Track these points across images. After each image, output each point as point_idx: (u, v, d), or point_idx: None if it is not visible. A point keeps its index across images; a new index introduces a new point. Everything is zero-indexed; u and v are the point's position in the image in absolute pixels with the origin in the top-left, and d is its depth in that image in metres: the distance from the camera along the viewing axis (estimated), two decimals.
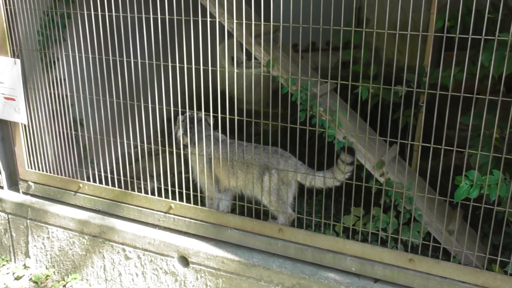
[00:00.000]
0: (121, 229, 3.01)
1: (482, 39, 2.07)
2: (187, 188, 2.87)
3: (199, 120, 2.96)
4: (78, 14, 2.82)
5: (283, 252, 2.71)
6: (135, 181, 3.13)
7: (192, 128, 2.91)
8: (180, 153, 2.93)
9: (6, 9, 2.99)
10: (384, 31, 2.21)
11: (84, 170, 3.25)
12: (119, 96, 2.84)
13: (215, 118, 2.66)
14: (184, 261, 2.89)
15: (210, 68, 2.55)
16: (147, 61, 2.71)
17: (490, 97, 2.10)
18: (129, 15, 2.66)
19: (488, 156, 2.21)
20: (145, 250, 2.97)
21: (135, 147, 2.97)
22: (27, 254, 3.43)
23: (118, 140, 3.01)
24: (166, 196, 2.95)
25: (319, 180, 2.75)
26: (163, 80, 2.71)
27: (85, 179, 3.18)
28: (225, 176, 2.92)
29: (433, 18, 2.62)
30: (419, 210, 2.57)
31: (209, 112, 2.66)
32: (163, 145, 2.85)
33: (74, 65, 2.96)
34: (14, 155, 3.33)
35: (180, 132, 2.96)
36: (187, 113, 2.86)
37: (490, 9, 2.10)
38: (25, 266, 3.45)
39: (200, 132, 2.94)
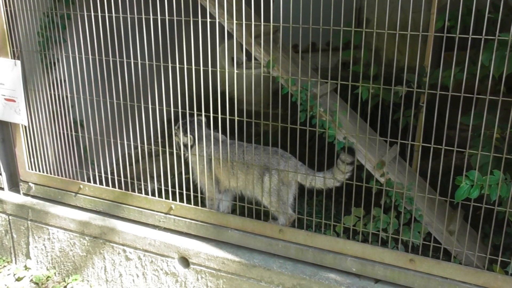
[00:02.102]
0: (121, 230, 3.01)
1: (483, 39, 2.06)
2: (188, 189, 2.87)
3: (199, 122, 2.96)
4: (78, 15, 2.82)
5: (284, 253, 2.71)
6: (135, 182, 3.14)
7: (192, 129, 2.90)
8: (180, 154, 2.94)
9: (6, 10, 2.99)
10: (384, 31, 2.21)
11: (84, 171, 3.25)
12: (119, 97, 2.84)
13: (215, 118, 2.65)
14: (185, 262, 2.89)
15: (210, 69, 2.55)
16: (147, 62, 2.71)
17: (490, 97, 2.10)
18: (129, 16, 2.66)
19: (489, 156, 2.20)
20: (146, 251, 2.97)
21: (135, 148, 2.97)
22: (27, 255, 3.43)
23: (119, 141, 3.01)
24: (167, 197, 2.95)
25: (319, 180, 2.75)
26: (163, 81, 2.71)
27: (86, 180, 3.18)
28: (226, 176, 2.92)
29: (433, 18, 2.61)
30: (420, 211, 2.56)
31: (209, 113, 2.66)
32: (163, 146, 2.85)
33: (74, 66, 2.96)
34: (15, 156, 3.33)
35: (181, 134, 2.94)
36: (188, 116, 2.85)
37: (491, 9, 2.10)
38: (26, 267, 3.45)
39: (200, 133, 2.94)
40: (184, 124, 2.92)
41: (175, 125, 2.97)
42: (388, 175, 2.58)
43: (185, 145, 2.94)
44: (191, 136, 2.91)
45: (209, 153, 2.84)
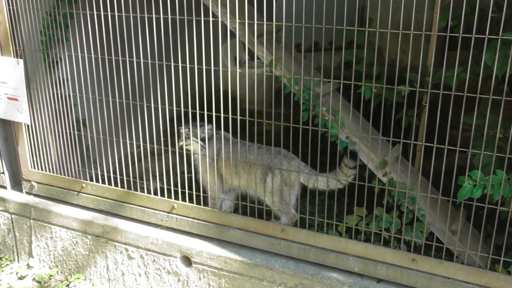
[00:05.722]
0: (124, 229, 3.01)
1: (486, 39, 2.06)
2: (190, 188, 2.87)
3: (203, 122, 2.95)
4: (81, 14, 2.83)
5: (286, 252, 2.71)
6: (138, 181, 3.14)
7: (209, 123, 2.87)
8: (182, 153, 2.94)
9: (9, 9, 3.00)
10: (387, 30, 2.21)
11: (87, 170, 3.25)
12: (122, 96, 2.84)
13: (217, 117, 2.65)
14: (187, 261, 2.89)
15: (212, 68, 2.55)
16: (149, 61, 2.71)
17: (493, 97, 2.10)
18: (131, 15, 2.66)
19: (492, 156, 2.20)
20: (148, 250, 2.97)
21: (138, 147, 2.98)
22: (30, 254, 3.44)
23: (121, 140, 3.01)
24: (169, 196, 2.95)
25: (322, 182, 2.75)
26: (166, 80, 2.71)
27: (88, 179, 3.19)
28: (231, 175, 2.91)
29: (436, 17, 2.61)
30: (422, 210, 2.56)
31: (212, 112, 2.65)
32: (166, 145, 2.85)
33: (77, 65, 2.97)
34: (17, 155, 3.33)
35: (198, 129, 2.90)
36: (189, 116, 2.85)
37: (494, 9, 2.10)
38: (29, 266, 3.45)
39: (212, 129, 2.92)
40: (196, 121, 2.88)
41: (182, 126, 2.95)
42: (391, 174, 2.57)
43: (202, 140, 2.89)
44: (209, 129, 2.87)
45: (217, 151, 2.84)
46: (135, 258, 3.04)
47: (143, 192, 3.03)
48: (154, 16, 2.57)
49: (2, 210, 3.44)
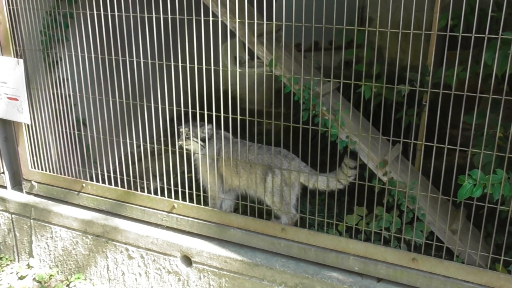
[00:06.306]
0: (124, 228, 3.02)
1: (486, 38, 2.06)
2: (190, 188, 2.87)
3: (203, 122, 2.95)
4: (81, 13, 2.83)
5: (286, 252, 2.71)
6: (138, 180, 3.14)
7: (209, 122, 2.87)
8: (183, 152, 2.94)
9: (9, 9, 3.00)
10: (387, 30, 2.21)
11: (87, 170, 3.26)
12: (122, 96, 2.84)
13: (217, 117, 2.65)
14: (187, 260, 2.89)
15: (212, 68, 2.55)
16: (149, 61, 2.71)
17: (493, 96, 2.10)
18: (131, 14, 2.66)
19: (492, 155, 2.20)
20: (148, 249, 2.97)
21: (138, 146, 2.98)
22: (30, 254, 3.44)
23: (121, 140, 3.01)
24: (169, 196, 2.95)
25: (323, 182, 2.75)
26: (166, 80, 2.71)
27: (88, 179, 3.19)
28: (231, 175, 2.91)
29: (436, 17, 2.61)
30: (422, 210, 2.56)
31: (212, 111, 2.66)
32: (166, 145, 2.85)
33: (77, 65, 2.97)
34: (18, 155, 3.33)
35: (198, 128, 2.90)
36: (189, 116, 2.85)
37: (494, 8, 2.10)
38: (29, 266, 3.46)
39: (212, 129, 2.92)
40: (196, 121, 2.89)
41: (182, 126, 2.95)
42: (391, 174, 2.57)
43: (202, 139, 2.89)
44: (209, 129, 2.88)
45: (217, 151, 2.84)
46: (135, 257, 3.04)
47: (143, 191, 3.03)
48: (154, 16, 2.57)
49: (3, 210, 3.44)
